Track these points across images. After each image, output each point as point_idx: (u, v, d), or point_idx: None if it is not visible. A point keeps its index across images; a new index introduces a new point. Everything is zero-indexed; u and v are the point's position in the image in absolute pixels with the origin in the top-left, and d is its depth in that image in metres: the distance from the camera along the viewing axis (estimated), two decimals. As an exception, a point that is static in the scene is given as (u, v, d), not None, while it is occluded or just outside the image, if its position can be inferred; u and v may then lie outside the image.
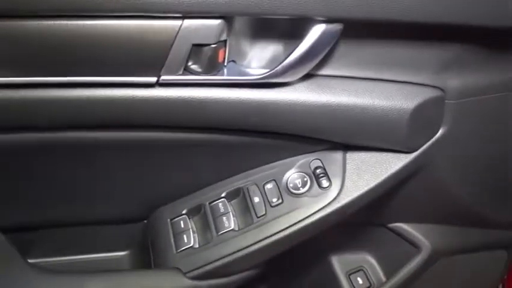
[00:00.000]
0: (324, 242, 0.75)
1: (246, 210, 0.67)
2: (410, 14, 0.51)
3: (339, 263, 0.80)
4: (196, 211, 0.70)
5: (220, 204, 0.69)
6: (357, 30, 0.55)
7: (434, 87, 0.60)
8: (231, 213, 0.67)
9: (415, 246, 0.74)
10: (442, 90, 0.60)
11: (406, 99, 0.59)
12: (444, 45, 0.57)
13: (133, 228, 0.76)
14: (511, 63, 0.61)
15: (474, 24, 0.53)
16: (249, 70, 0.58)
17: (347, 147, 0.66)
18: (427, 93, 0.59)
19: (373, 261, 0.79)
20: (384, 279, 0.77)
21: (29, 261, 0.64)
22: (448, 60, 0.58)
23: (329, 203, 0.64)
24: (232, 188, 0.69)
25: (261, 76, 0.56)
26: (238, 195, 0.69)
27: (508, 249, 0.78)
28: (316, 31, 0.53)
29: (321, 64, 0.58)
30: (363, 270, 0.79)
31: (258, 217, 0.65)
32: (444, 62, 0.59)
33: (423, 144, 0.63)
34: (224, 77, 0.57)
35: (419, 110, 0.59)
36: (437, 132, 0.62)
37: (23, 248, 0.64)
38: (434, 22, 0.52)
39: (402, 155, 0.63)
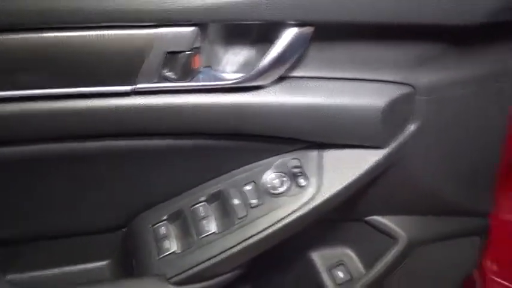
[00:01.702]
0: (304, 239, 0.76)
1: (226, 212, 0.67)
2: (378, 15, 0.53)
3: (319, 258, 0.82)
4: (176, 216, 0.70)
5: (200, 208, 0.69)
6: (328, 32, 0.56)
7: (404, 84, 0.62)
8: (211, 216, 0.68)
9: (392, 237, 0.76)
10: (412, 87, 0.62)
11: (377, 97, 0.61)
12: (413, 43, 0.59)
13: (113, 236, 0.75)
14: (480, 60, 0.63)
15: (441, 23, 0.55)
16: (224, 75, 0.58)
17: (323, 146, 0.67)
18: (398, 91, 0.61)
19: (353, 254, 0.81)
20: (363, 271, 0.79)
21: (8, 277, 0.63)
22: (418, 57, 0.60)
23: (307, 201, 0.65)
24: (212, 191, 0.69)
25: (236, 81, 0.57)
26: (218, 198, 0.69)
27: (481, 236, 0.81)
28: (288, 35, 0.54)
29: (294, 66, 0.59)
30: (343, 264, 0.81)
31: (238, 219, 0.65)
32: (414, 60, 0.61)
33: (396, 140, 0.65)
34: (200, 83, 0.57)
35: (391, 107, 0.61)
36: (409, 127, 0.64)
37: (1, 264, 0.63)
38: (402, 22, 0.54)
39: (376, 151, 0.65)
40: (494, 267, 0.81)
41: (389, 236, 0.76)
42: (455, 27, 0.55)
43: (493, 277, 0.81)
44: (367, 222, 0.77)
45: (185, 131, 0.61)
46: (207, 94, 0.58)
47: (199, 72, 0.58)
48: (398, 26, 0.55)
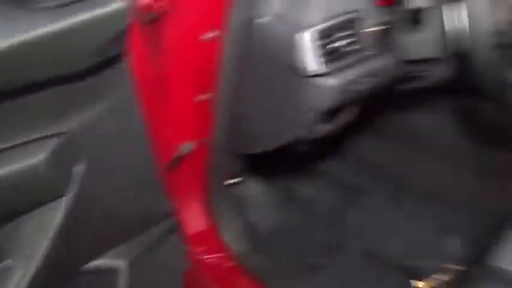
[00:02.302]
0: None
1: None
2: None
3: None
4: None
5: None
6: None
7: (60, 133, 0.67)
8: None
9: (113, 272, 0.80)
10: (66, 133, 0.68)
11: (34, 156, 0.64)
12: (55, 92, 0.64)
13: None
14: (96, 100, 0.74)
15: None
16: None
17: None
18: (54, 142, 0.66)
19: None
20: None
21: None
22: (64, 106, 0.67)
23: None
24: None
25: None
26: None
27: (176, 232, 0.96)
28: None
29: None
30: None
31: None
32: (63, 109, 0.66)
33: (69, 184, 0.69)
34: None
35: (53, 159, 0.65)
36: (78, 169, 0.70)
37: None
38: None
39: (57, 203, 0.68)
40: (197, 250, 0.98)
41: (112, 272, 0.80)
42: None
43: (199, 258, 0.97)
44: (85, 272, 0.79)
45: None
46: None
47: None
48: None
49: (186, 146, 0.92)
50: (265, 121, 0.87)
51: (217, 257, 0.99)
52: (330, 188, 1.37)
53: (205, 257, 0.98)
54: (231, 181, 1.05)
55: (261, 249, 1.07)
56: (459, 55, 0.80)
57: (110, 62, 0.66)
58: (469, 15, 0.72)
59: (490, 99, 0.86)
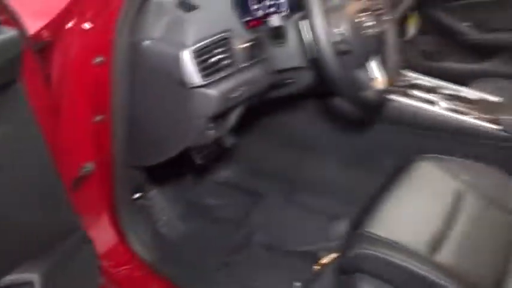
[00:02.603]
0: None
1: None
2: None
3: None
4: None
5: None
6: None
7: None
8: None
9: (28, 284, 0.81)
10: None
11: None
12: None
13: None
14: None
15: None
16: None
17: None
18: None
19: None
20: None
21: None
22: None
23: None
24: None
25: None
26: None
27: (88, 243, 0.98)
28: None
29: None
30: None
31: None
32: None
33: None
34: None
35: None
36: None
37: None
38: None
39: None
40: (108, 264, 1.02)
41: (27, 285, 0.81)
42: None
43: (111, 271, 1.02)
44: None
45: None
46: None
47: None
48: None
49: (87, 166, 0.98)
50: (160, 133, 0.96)
51: (129, 268, 1.04)
52: (232, 194, 1.50)
53: (117, 270, 1.02)
54: (137, 195, 1.11)
55: (171, 257, 1.14)
56: (316, 63, 0.97)
57: (3, 88, 0.71)
58: (312, 29, 0.89)
59: (344, 98, 1.05)
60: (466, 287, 0.83)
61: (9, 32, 0.62)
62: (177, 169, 1.33)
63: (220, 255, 1.24)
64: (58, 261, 0.83)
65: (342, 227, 1.33)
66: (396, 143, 1.33)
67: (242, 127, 1.27)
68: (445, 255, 0.90)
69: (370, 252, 0.89)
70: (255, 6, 1.09)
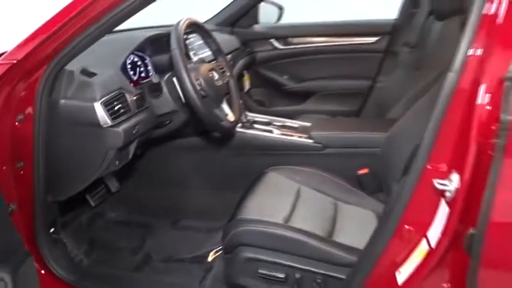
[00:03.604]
0: None
1: None
2: None
3: None
4: None
5: None
6: None
7: None
8: None
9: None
10: None
11: None
12: None
13: None
14: None
15: None
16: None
17: None
18: None
19: None
20: None
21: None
22: None
23: None
24: None
25: None
26: None
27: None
28: None
29: None
30: None
31: None
32: None
33: None
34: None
35: None
36: None
37: None
38: None
39: None
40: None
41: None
42: None
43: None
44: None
45: None
46: None
47: None
48: None
49: (11, 206, 1.19)
50: (78, 167, 1.23)
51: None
52: (125, 230, 1.76)
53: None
54: (52, 229, 1.32)
55: (88, 274, 1.37)
56: (186, 105, 1.38)
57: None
58: (181, 83, 1.30)
59: (209, 127, 1.46)
60: (309, 236, 1.25)
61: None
62: (74, 212, 1.56)
63: (126, 273, 1.50)
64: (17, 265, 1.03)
65: (219, 237, 1.70)
66: (249, 164, 1.78)
67: (125, 175, 1.60)
68: (296, 223, 1.32)
69: (245, 228, 1.27)
70: (131, 72, 1.47)
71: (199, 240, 1.69)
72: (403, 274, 0.97)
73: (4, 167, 1.15)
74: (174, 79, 1.37)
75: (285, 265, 1.23)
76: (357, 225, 1.38)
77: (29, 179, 1.19)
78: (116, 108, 1.20)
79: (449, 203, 0.86)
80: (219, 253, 1.54)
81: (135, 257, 1.61)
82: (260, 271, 1.25)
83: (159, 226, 1.78)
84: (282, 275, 1.23)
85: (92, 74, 1.21)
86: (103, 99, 1.17)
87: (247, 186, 1.52)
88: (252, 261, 1.25)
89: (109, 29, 1.08)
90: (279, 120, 1.88)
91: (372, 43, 2.37)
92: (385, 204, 1.29)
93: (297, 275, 1.23)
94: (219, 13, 2.38)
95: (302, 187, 1.51)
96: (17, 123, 1.14)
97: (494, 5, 0.84)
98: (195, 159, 1.81)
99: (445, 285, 0.92)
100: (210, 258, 1.55)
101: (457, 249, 0.87)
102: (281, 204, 1.41)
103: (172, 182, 1.86)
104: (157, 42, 1.55)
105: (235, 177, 1.80)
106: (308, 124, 1.83)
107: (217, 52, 1.62)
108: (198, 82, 1.34)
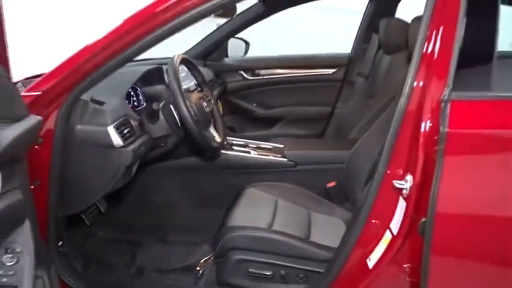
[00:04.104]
0: None
1: None
2: None
3: None
4: None
5: None
6: None
7: None
8: None
9: None
10: None
11: None
12: None
13: None
14: None
15: None
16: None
17: None
18: None
19: None
20: None
21: None
22: None
23: None
24: None
25: None
26: None
27: None
28: None
29: None
30: None
31: None
32: None
33: None
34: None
35: None
36: None
37: None
38: None
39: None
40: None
41: None
42: None
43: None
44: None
45: None
46: None
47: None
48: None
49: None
50: (89, 184, 1.40)
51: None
52: (115, 247, 1.90)
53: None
54: (60, 243, 1.46)
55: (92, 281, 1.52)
56: (182, 129, 1.59)
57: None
58: (178, 109, 1.51)
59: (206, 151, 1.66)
60: (291, 237, 1.47)
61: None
62: (69, 231, 1.70)
63: (126, 279, 1.65)
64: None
65: (205, 248, 1.88)
66: (229, 182, 1.98)
67: (113, 196, 1.76)
68: (277, 228, 1.53)
69: (234, 234, 1.47)
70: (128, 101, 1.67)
71: (188, 252, 1.87)
72: (372, 260, 1.20)
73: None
74: (171, 106, 1.58)
75: (271, 264, 1.44)
76: (328, 230, 1.61)
77: (43, 196, 1.34)
78: (124, 131, 1.39)
79: (406, 198, 1.10)
80: (209, 261, 1.72)
81: (129, 270, 1.76)
82: (250, 270, 1.44)
83: (147, 242, 1.94)
84: (269, 273, 1.43)
85: (101, 103, 1.40)
86: (114, 123, 1.36)
87: (231, 201, 1.72)
88: (242, 262, 1.44)
89: (121, 65, 1.28)
90: (254, 143, 2.11)
91: (331, 74, 2.68)
92: (354, 208, 1.53)
93: (282, 272, 1.43)
94: (192, 48, 2.61)
95: (279, 199, 1.72)
96: (36, 146, 1.29)
97: (431, 45, 1.11)
98: (180, 180, 2.00)
99: (405, 265, 1.16)
100: (200, 266, 1.73)
101: (413, 234, 1.11)
102: (263, 213, 1.61)
103: (159, 201, 2.03)
104: (147, 75, 1.75)
105: (217, 195, 2.00)
106: (281, 145, 2.08)
107: (203, 83, 1.85)
108: (191, 109, 1.56)
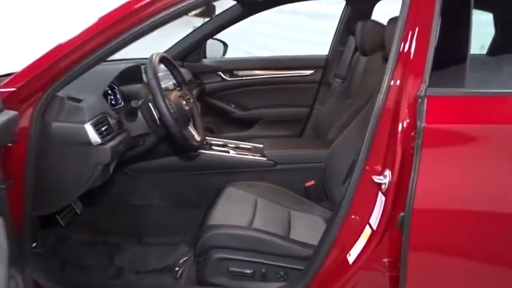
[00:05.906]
0: None
1: None
2: None
3: None
4: None
5: None
6: None
7: None
8: None
9: None
10: None
11: None
12: None
13: None
14: None
15: None
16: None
17: None
18: None
19: None
20: None
21: None
22: None
23: None
24: None
25: None
26: None
27: None
28: None
29: None
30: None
31: None
32: None
33: None
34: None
35: None
36: None
37: None
38: None
39: None
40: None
41: None
42: None
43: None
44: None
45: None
46: None
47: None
48: None
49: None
50: (67, 183, 1.37)
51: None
52: (92, 249, 1.86)
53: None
54: (34, 244, 1.42)
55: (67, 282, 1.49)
56: (161, 127, 1.57)
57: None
58: (158, 107, 1.50)
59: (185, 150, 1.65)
60: (271, 235, 1.47)
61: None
62: (43, 233, 1.66)
63: (104, 280, 1.62)
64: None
65: (183, 249, 1.87)
66: (208, 182, 1.97)
67: (89, 197, 1.74)
68: (258, 226, 1.53)
69: (215, 232, 1.46)
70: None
71: (166, 253, 1.84)
72: (352, 255, 1.22)
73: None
74: (150, 104, 1.56)
75: (252, 262, 1.44)
76: (308, 228, 1.62)
77: (18, 195, 1.30)
78: (102, 129, 1.37)
79: (385, 193, 1.12)
80: (188, 261, 1.71)
81: (106, 272, 1.72)
82: (230, 269, 1.43)
83: (125, 244, 1.91)
84: (249, 271, 1.43)
85: (78, 100, 1.37)
86: (91, 121, 1.34)
87: (210, 200, 1.72)
88: (223, 260, 1.44)
89: (98, 63, 1.26)
90: (233, 142, 2.11)
91: (308, 75, 2.70)
92: (333, 206, 1.55)
93: (263, 270, 1.43)
94: (170, 48, 2.60)
95: (259, 199, 1.72)
96: (10, 144, 1.26)
97: (407, 44, 1.14)
98: (158, 180, 1.98)
99: (385, 259, 1.18)
100: (179, 266, 1.71)
101: (392, 229, 1.13)
102: (243, 212, 1.61)
103: (136, 202, 2.00)
104: (125, 74, 1.73)
105: (196, 195, 1.98)
106: (260, 145, 2.08)
107: (182, 82, 1.83)
108: (171, 107, 1.54)
